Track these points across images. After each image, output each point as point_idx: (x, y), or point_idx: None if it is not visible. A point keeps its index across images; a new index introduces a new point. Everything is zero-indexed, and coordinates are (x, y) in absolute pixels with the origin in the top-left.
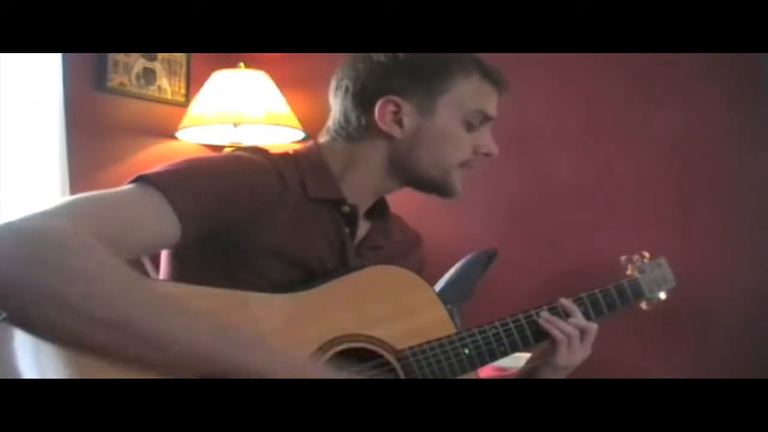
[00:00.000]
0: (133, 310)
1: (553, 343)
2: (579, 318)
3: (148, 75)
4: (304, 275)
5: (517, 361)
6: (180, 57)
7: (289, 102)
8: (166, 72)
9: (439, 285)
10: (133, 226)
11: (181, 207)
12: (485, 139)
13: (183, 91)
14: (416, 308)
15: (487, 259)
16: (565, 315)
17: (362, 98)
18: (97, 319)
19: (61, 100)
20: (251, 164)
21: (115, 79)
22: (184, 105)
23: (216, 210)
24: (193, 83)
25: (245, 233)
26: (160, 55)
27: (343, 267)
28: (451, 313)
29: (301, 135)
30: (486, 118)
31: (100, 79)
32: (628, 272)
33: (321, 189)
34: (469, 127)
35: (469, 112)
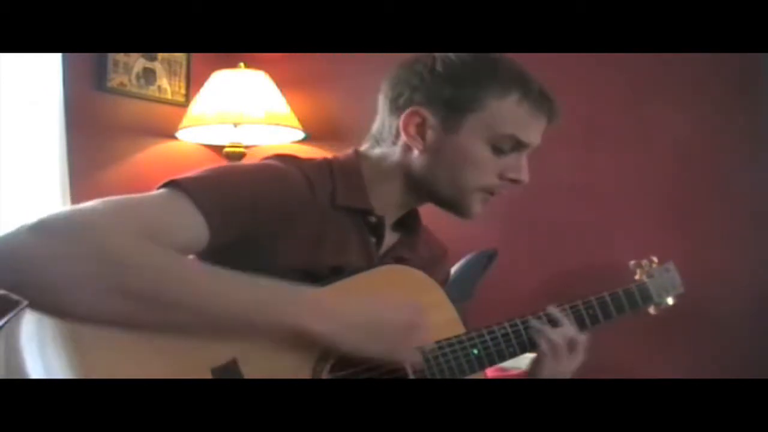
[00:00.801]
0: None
1: (539, 353)
2: (567, 327)
3: (148, 75)
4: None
5: (517, 361)
6: (180, 57)
7: (289, 102)
8: (166, 72)
9: None
10: (164, 227)
11: (208, 212)
12: (516, 165)
13: (183, 91)
14: (427, 308)
15: (487, 259)
16: (552, 324)
17: (395, 105)
18: (157, 300)
19: (61, 100)
20: (280, 172)
21: (115, 79)
22: (184, 105)
23: (243, 217)
24: (193, 83)
25: (273, 239)
26: (160, 55)
27: None
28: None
29: (301, 135)
30: (519, 144)
31: (100, 79)
32: (637, 277)
33: (349, 198)
34: (498, 151)
35: (499, 135)
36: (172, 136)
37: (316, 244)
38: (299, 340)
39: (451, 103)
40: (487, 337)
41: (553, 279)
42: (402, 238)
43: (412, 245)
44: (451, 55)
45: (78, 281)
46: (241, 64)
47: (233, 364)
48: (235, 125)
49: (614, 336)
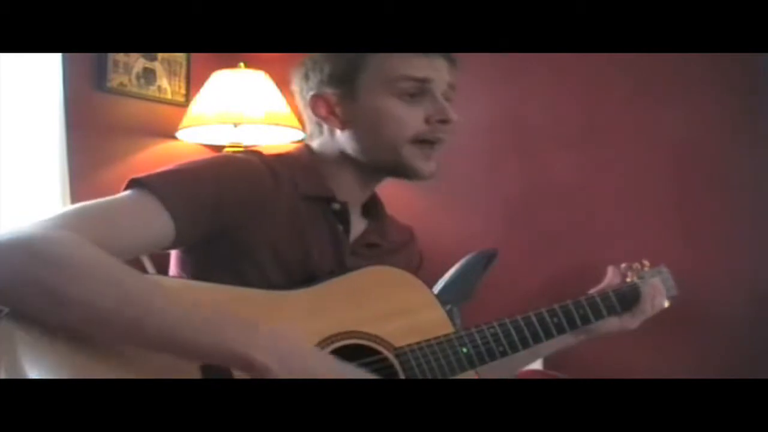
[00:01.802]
0: (127, 298)
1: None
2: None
3: (148, 75)
4: (302, 273)
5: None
6: (180, 57)
7: (289, 102)
8: (166, 72)
9: (439, 285)
10: (126, 229)
11: (173, 207)
12: (436, 106)
13: (183, 91)
14: (415, 308)
15: (487, 259)
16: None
17: (303, 98)
18: (96, 308)
19: (61, 100)
20: (244, 164)
21: (115, 79)
22: (184, 105)
23: (210, 209)
24: (193, 83)
25: (243, 231)
26: (160, 55)
27: (339, 264)
28: (451, 313)
29: (301, 135)
30: (420, 82)
31: (100, 79)
32: (628, 279)
33: (311, 187)
34: (404, 97)
35: (393, 82)
36: (172, 136)
37: (289, 233)
38: (242, 367)
39: (338, 75)
40: (476, 336)
41: (552, 279)
42: (370, 225)
43: (381, 231)
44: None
45: (31, 288)
46: (241, 64)
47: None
48: (235, 125)
49: (614, 336)
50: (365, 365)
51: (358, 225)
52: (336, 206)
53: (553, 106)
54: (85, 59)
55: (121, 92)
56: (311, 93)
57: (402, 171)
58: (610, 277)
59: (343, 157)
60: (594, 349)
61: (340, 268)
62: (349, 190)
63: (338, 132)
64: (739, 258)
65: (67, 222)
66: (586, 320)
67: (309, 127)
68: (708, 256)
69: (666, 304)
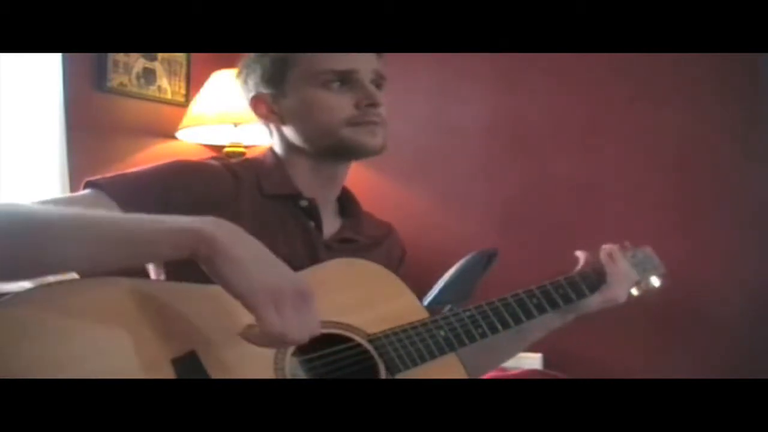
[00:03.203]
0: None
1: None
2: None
3: (148, 75)
4: None
5: (518, 362)
6: (180, 57)
7: None
8: (166, 72)
9: (439, 285)
10: None
11: (125, 204)
12: (365, 93)
13: (183, 91)
14: (387, 296)
15: (487, 259)
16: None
17: (247, 103)
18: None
19: (61, 100)
20: (200, 166)
21: (115, 79)
22: (184, 105)
23: (161, 207)
24: (193, 83)
25: None
26: (160, 55)
27: (313, 260)
28: (451, 311)
29: None
30: (342, 74)
31: (100, 79)
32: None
33: (275, 186)
34: (331, 87)
35: (316, 75)
36: (172, 136)
37: (256, 233)
38: (190, 243)
39: (269, 75)
40: (453, 319)
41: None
42: (345, 222)
43: (356, 227)
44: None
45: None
46: None
47: (192, 355)
48: (235, 125)
49: (614, 336)
50: (338, 352)
51: (333, 222)
52: (303, 203)
53: (553, 106)
54: (85, 59)
55: (121, 92)
56: (250, 95)
57: (348, 150)
58: (585, 260)
59: (293, 151)
60: (594, 349)
61: (313, 264)
62: (314, 186)
63: (282, 128)
64: (739, 258)
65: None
66: (567, 300)
67: (263, 128)
68: (708, 256)
69: (657, 282)
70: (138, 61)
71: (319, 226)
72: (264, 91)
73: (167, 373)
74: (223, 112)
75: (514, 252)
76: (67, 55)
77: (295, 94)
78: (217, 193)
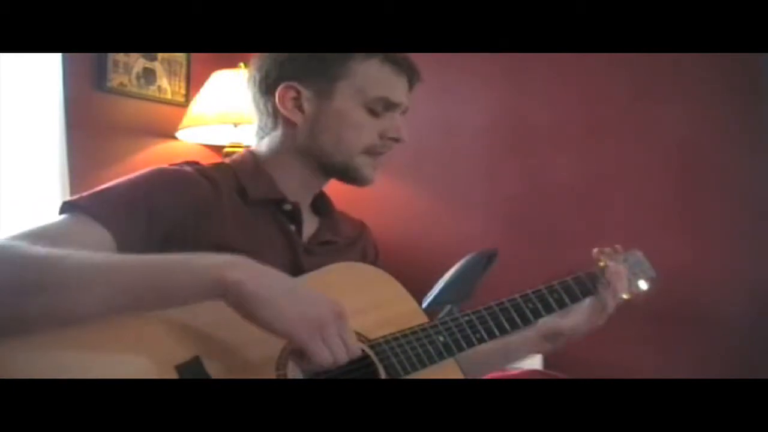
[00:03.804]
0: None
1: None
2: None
3: (148, 75)
4: None
5: (518, 362)
6: (180, 57)
7: None
8: (166, 72)
9: (440, 285)
10: (67, 244)
11: (105, 219)
12: (393, 125)
13: (183, 91)
14: (387, 301)
15: (487, 259)
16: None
17: (266, 85)
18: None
19: (61, 100)
20: (175, 173)
21: (115, 79)
22: (184, 105)
23: (143, 216)
24: (193, 83)
25: (188, 237)
26: (160, 55)
27: (294, 264)
28: (450, 312)
29: None
30: (390, 104)
31: (100, 79)
32: (601, 264)
33: (260, 191)
34: (372, 112)
35: (370, 98)
36: (172, 136)
37: (236, 239)
38: (216, 291)
39: (320, 73)
40: (452, 324)
41: (553, 279)
42: (322, 222)
43: (333, 227)
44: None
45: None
46: (241, 64)
47: (196, 361)
48: (235, 125)
49: (614, 336)
50: None
51: (310, 224)
52: (287, 207)
53: (554, 106)
54: (85, 59)
55: (121, 92)
56: (284, 82)
57: (349, 175)
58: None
59: (295, 152)
60: (594, 349)
61: (294, 268)
62: (297, 189)
63: (298, 126)
64: (739, 258)
65: (18, 239)
66: (561, 304)
67: (262, 119)
68: (708, 255)
69: (644, 286)
70: (138, 61)
71: (299, 230)
72: (303, 84)
73: (170, 377)
74: (223, 112)
75: (514, 252)
76: (67, 55)
77: (338, 102)
78: (198, 199)
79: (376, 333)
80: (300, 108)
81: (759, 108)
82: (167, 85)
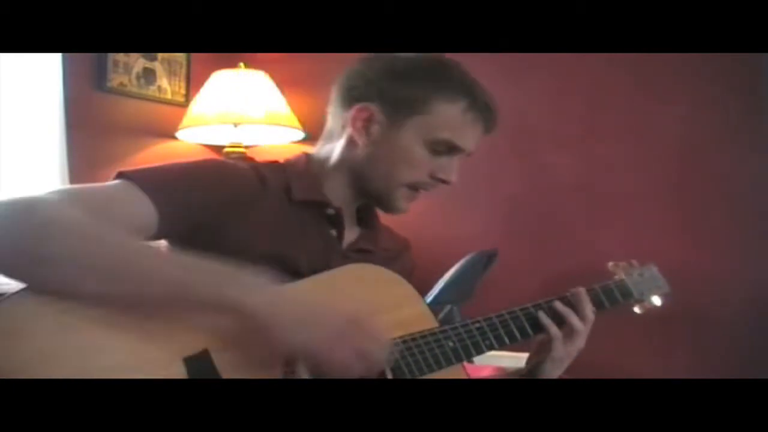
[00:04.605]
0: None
1: (549, 337)
2: (586, 310)
3: (148, 75)
4: (285, 273)
5: (518, 362)
6: (180, 57)
7: (289, 102)
8: (166, 72)
9: (439, 285)
10: (115, 212)
11: (156, 196)
12: (448, 166)
13: (183, 91)
14: (398, 303)
15: (487, 259)
16: (572, 307)
17: (348, 96)
18: (98, 270)
19: (61, 100)
20: (230, 167)
21: (115, 79)
22: (184, 105)
23: (191, 206)
24: (193, 83)
25: (225, 231)
26: (160, 55)
27: (326, 268)
28: (451, 312)
29: (301, 135)
30: (455, 148)
31: (100, 79)
32: (617, 277)
33: (305, 192)
34: (434, 152)
35: (438, 139)
36: (172, 136)
37: (274, 234)
38: (234, 313)
39: (401, 102)
40: (461, 330)
41: (553, 279)
42: (363, 232)
43: (373, 239)
44: (411, 54)
45: (15, 251)
46: (241, 64)
47: (205, 354)
48: (235, 125)
49: (614, 336)
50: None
51: (351, 232)
52: (330, 211)
53: (554, 105)
54: (85, 59)
55: (121, 92)
56: (363, 102)
57: (383, 204)
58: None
59: (345, 168)
60: (594, 349)
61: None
62: (342, 197)
63: (358, 147)
64: (739, 258)
65: (63, 195)
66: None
67: (331, 126)
68: (708, 256)
69: (658, 302)
70: (138, 61)
71: (340, 236)
72: (381, 109)
73: (178, 370)
74: (223, 112)
75: (514, 252)
76: (67, 55)
77: (404, 135)
78: (244, 193)
79: (386, 335)
80: (367, 131)
81: (759, 108)
82: (167, 85)
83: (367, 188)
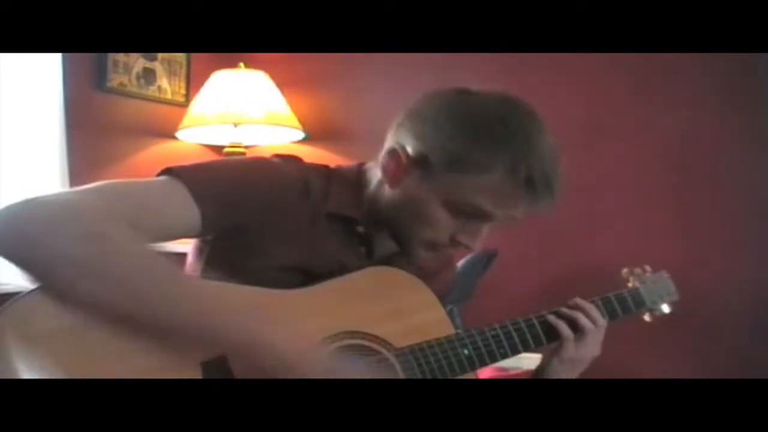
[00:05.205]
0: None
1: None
2: (594, 313)
3: (148, 75)
4: (307, 284)
5: (518, 362)
6: (180, 57)
7: (289, 102)
8: (166, 72)
9: None
10: (156, 211)
11: (202, 199)
12: (474, 231)
13: (183, 91)
14: (416, 308)
15: (487, 259)
16: (580, 310)
17: (398, 131)
18: (116, 282)
19: (61, 100)
20: (276, 171)
21: (115, 79)
22: (184, 105)
23: (234, 208)
24: (193, 83)
25: (259, 234)
26: (160, 55)
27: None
28: (451, 312)
29: (301, 135)
30: (483, 214)
31: (100, 79)
32: (630, 284)
33: (341, 206)
34: (456, 213)
35: (466, 202)
36: (172, 136)
37: (305, 245)
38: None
39: (442, 158)
40: (477, 338)
41: (553, 279)
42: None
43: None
44: (475, 107)
45: (59, 258)
46: (241, 64)
47: (222, 359)
48: (235, 125)
49: (615, 336)
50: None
51: (385, 246)
52: (360, 229)
53: (554, 105)
54: (85, 59)
55: (121, 92)
56: (407, 147)
57: (403, 249)
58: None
59: (374, 199)
60: None
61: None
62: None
63: (387, 189)
64: (739, 258)
65: (99, 195)
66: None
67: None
68: (708, 256)
69: (667, 309)
70: (138, 61)
71: (370, 254)
72: (417, 156)
73: (194, 374)
74: (223, 112)
75: (514, 252)
76: (67, 55)
77: (433, 192)
78: (287, 202)
79: (402, 340)
80: (396, 176)
81: (759, 108)
82: (167, 85)
83: (388, 230)
